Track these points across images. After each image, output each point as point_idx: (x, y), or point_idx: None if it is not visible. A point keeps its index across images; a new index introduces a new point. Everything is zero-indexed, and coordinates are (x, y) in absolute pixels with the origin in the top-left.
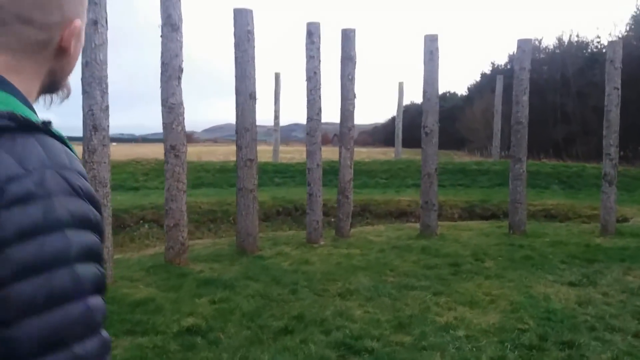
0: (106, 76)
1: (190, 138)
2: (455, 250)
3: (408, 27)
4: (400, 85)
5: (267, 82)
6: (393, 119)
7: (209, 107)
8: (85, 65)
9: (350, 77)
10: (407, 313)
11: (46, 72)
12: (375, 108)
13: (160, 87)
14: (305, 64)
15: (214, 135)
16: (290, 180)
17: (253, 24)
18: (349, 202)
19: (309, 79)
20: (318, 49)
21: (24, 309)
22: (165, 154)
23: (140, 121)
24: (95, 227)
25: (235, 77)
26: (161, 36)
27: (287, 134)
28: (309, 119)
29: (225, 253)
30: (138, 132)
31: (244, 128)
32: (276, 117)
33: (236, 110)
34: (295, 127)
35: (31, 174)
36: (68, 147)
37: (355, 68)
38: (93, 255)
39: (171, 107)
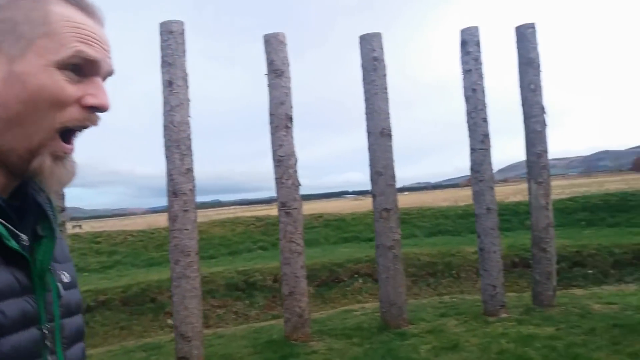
0: (186, 137)
1: None
2: None
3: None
4: None
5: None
6: None
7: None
8: (164, 128)
9: (532, 86)
10: None
11: None
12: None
13: (271, 138)
14: (462, 80)
15: (506, 175)
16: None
17: (382, 49)
18: (548, 256)
19: (467, 98)
20: (476, 59)
21: None
22: (278, 211)
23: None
24: None
25: (365, 113)
26: (268, 85)
27: (591, 164)
28: (472, 149)
29: (366, 326)
30: (434, 179)
31: (375, 172)
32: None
33: (369, 152)
34: (603, 155)
35: None
36: None
37: (539, 74)
38: None
39: (280, 160)
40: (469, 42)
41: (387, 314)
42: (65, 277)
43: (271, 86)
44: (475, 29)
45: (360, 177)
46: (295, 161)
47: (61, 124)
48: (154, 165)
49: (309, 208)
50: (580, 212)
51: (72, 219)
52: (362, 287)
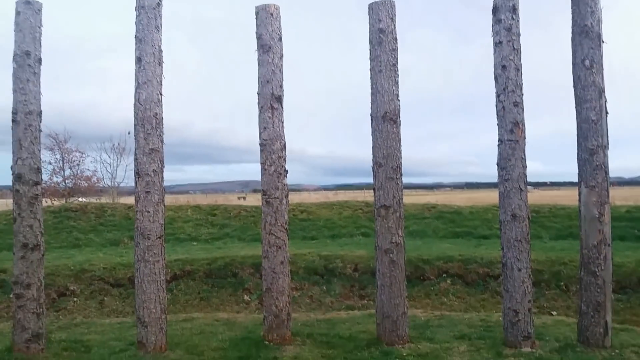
0: (152, 116)
1: None
2: None
3: None
4: None
5: None
6: None
7: None
8: (134, 106)
9: (588, 64)
10: None
11: None
12: None
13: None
14: (493, 54)
15: None
16: None
17: (389, 20)
18: (600, 283)
19: (496, 77)
20: (508, 29)
21: None
22: (261, 199)
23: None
24: None
25: (371, 94)
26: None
27: None
28: (500, 140)
29: (362, 337)
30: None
31: (376, 163)
32: None
33: (372, 138)
34: None
35: None
36: None
37: (599, 47)
38: None
39: (263, 144)
40: (501, 8)
41: (381, 328)
42: None
43: (259, 63)
44: None
45: (539, 167)
46: (282, 146)
47: None
48: (321, 146)
49: (464, 197)
50: None
51: (254, 190)
52: (449, 289)
